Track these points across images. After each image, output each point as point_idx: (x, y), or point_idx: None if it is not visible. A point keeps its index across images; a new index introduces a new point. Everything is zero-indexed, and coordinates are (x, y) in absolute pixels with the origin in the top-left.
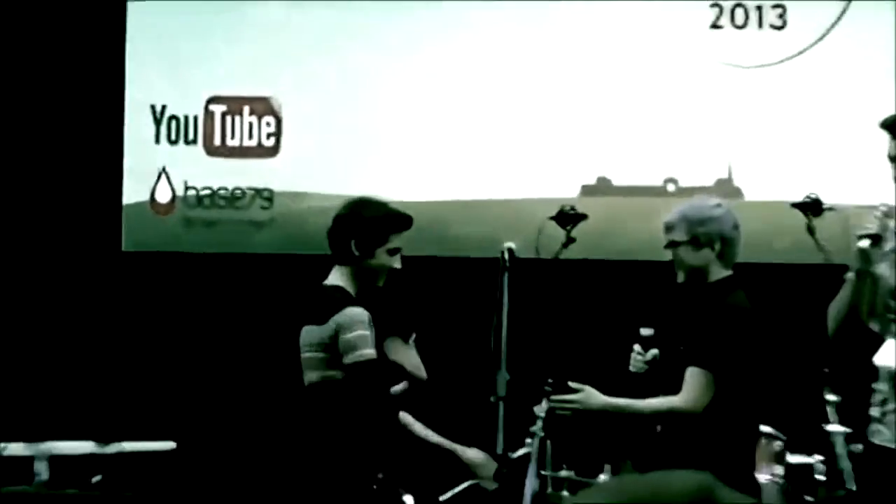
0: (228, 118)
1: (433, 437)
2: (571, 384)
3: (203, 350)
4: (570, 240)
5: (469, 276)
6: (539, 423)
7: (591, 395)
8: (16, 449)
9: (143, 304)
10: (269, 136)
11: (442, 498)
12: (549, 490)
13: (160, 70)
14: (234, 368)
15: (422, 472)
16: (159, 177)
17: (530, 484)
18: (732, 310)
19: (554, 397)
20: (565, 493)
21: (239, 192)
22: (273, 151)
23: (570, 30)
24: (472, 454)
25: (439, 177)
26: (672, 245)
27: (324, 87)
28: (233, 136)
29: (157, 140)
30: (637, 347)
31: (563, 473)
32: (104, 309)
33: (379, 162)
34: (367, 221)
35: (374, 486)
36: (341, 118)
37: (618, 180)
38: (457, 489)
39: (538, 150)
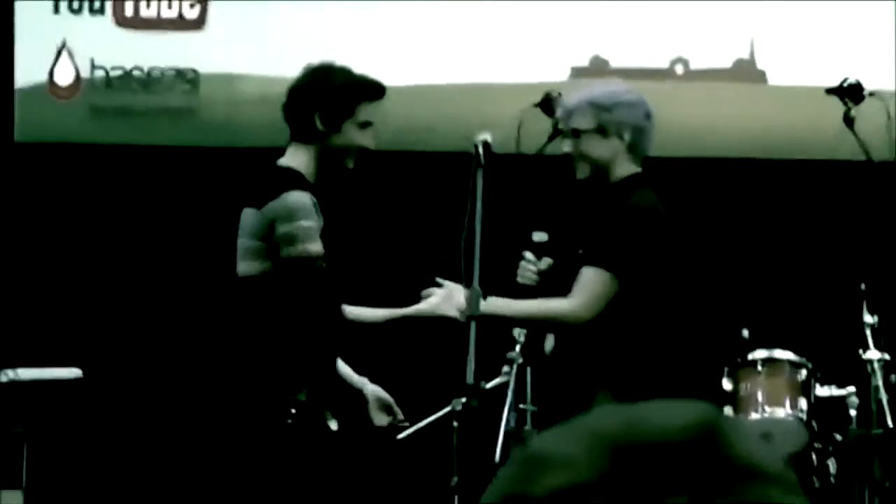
0: None
1: (381, 312)
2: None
3: (111, 261)
4: (556, 132)
5: (437, 174)
6: (517, 349)
7: (451, 298)
8: None
9: (39, 206)
10: (192, 5)
11: (400, 436)
12: (528, 426)
13: None
14: (146, 282)
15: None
16: (59, 54)
17: (506, 419)
18: (638, 210)
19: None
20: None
21: (157, 73)
22: (198, 24)
23: None
24: (434, 300)
25: (401, 57)
26: (573, 134)
27: None
28: (148, 6)
29: (57, 10)
30: (528, 255)
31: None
32: None
33: (328, 38)
34: (332, 90)
35: (293, 411)
36: None
37: (616, 61)
38: (413, 428)
39: (519, 25)
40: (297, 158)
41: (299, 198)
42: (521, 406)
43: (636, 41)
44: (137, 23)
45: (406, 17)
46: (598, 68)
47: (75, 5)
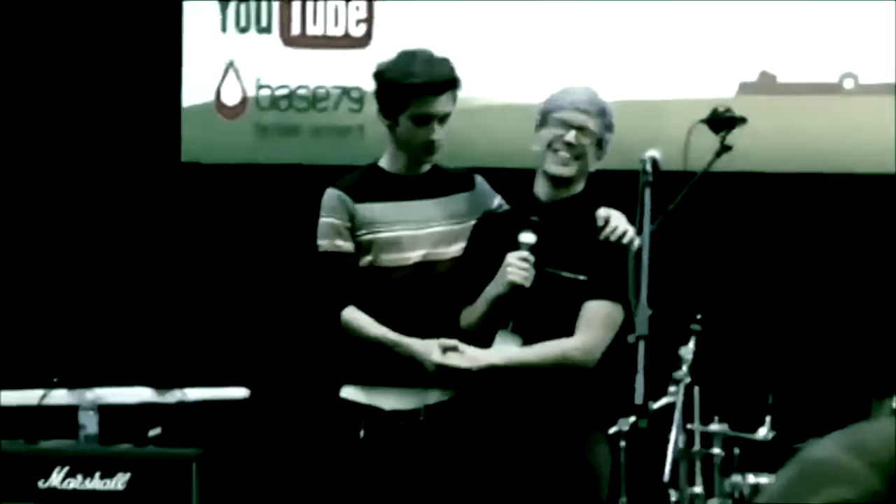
0: (310, 2)
1: (377, 330)
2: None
3: (280, 282)
4: (724, 148)
5: (603, 192)
6: (685, 368)
7: (470, 357)
8: (58, 397)
9: (207, 228)
10: (358, 22)
11: None
12: (697, 447)
13: None
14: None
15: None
16: (226, 73)
17: (675, 439)
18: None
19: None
20: (717, 450)
21: (322, 91)
22: (364, 42)
23: None
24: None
25: (567, 73)
26: (580, 130)
27: None
28: (315, 23)
29: (224, 28)
30: (524, 254)
31: (715, 427)
32: (161, 233)
33: (494, 55)
34: (384, 83)
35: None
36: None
37: (783, 76)
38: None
39: (686, 41)
40: (385, 152)
41: (325, 195)
42: (689, 426)
43: (805, 56)
44: (304, 41)
45: (572, 33)
46: (766, 83)
47: (242, 24)
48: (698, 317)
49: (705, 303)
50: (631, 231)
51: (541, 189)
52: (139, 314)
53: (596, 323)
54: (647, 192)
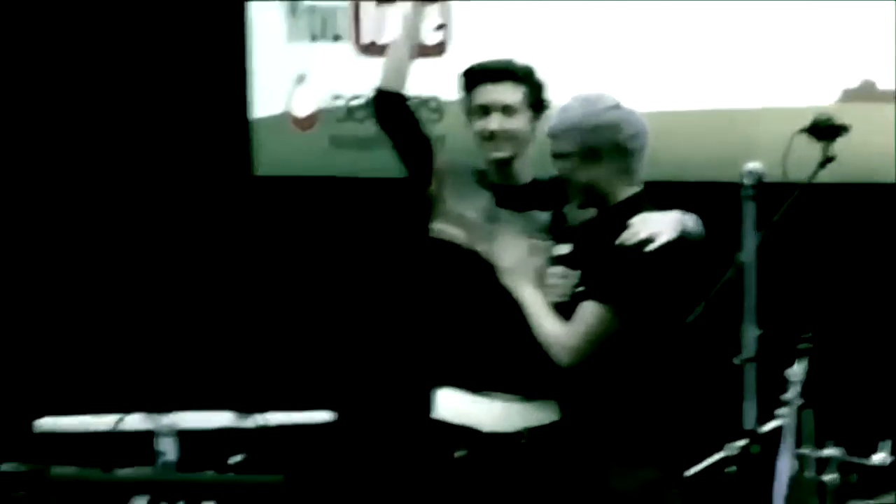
0: (384, 7)
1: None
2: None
3: (360, 299)
4: (827, 159)
5: (702, 206)
6: (795, 390)
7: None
8: (135, 422)
9: (281, 244)
10: (435, 29)
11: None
12: (809, 472)
13: None
14: (395, 320)
15: None
16: (298, 84)
17: (785, 465)
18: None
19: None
20: (831, 475)
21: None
22: (439, 50)
23: None
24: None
25: (657, 82)
26: (559, 157)
27: None
28: (389, 30)
29: (295, 36)
30: (559, 269)
31: (829, 452)
32: (234, 250)
33: (577, 63)
34: (460, 78)
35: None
36: (528, 6)
37: (885, 83)
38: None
39: (785, 47)
40: None
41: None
42: (801, 451)
43: None
44: (378, 50)
45: (667, 38)
46: (867, 90)
47: (314, 32)
48: (808, 335)
49: (814, 320)
50: (662, 234)
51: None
52: (217, 335)
53: (580, 323)
54: (750, 206)
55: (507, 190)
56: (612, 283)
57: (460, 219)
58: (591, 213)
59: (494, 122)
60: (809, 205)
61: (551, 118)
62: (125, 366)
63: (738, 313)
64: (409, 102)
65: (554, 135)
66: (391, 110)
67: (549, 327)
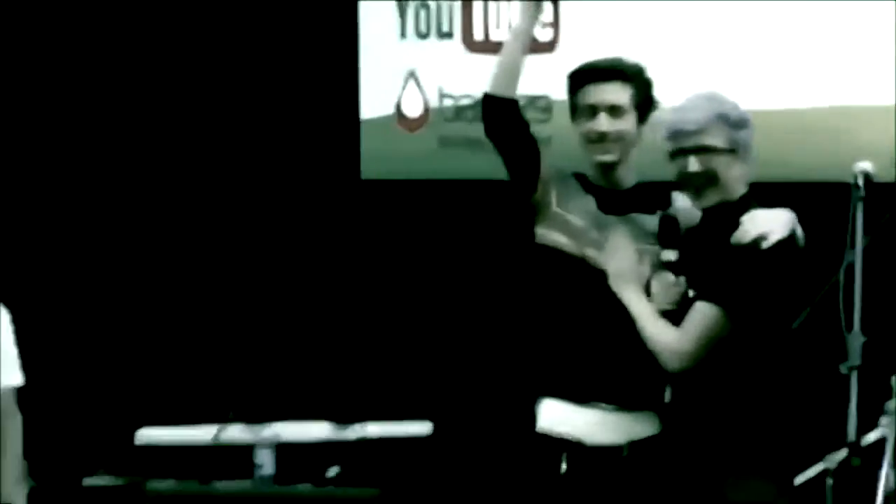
0: (493, 4)
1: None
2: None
3: (464, 307)
4: None
5: (810, 208)
6: None
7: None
8: (233, 434)
9: (388, 250)
10: (545, 25)
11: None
12: None
13: None
14: (502, 331)
15: None
16: (406, 83)
17: (886, 478)
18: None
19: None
20: None
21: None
22: (550, 47)
23: None
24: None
25: (763, 81)
26: (703, 150)
27: None
28: (499, 27)
29: (403, 34)
30: (668, 276)
31: None
32: (340, 255)
33: (684, 61)
34: (568, 78)
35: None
36: (638, 5)
37: None
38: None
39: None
40: None
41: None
42: None
43: None
44: (488, 47)
45: (774, 39)
46: None
47: (423, 29)
48: None
49: None
50: (774, 233)
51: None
52: (316, 344)
53: (690, 326)
54: (860, 209)
55: (611, 194)
56: (725, 284)
57: (566, 224)
58: (696, 216)
59: (603, 123)
60: None
61: (673, 116)
62: (224, 376)
63: (845, 319)
64: (519, 107)
65: (701, 129)
66: (500, 117)
67: (659, 332)
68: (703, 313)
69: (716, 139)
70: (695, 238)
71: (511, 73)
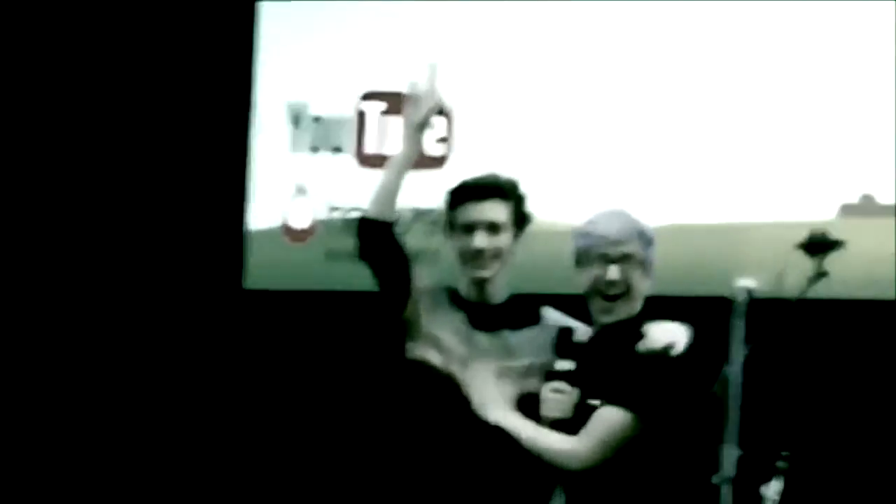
0: (387, 119)
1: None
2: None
3: (349, 415)
4: (820, 273)
5: (692, 321)
6: None
7: (485, 398)
8: None
9: (270, 360)
10: (438, 140)
11: None
12: None
13: (300, 61)
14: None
15: None
16: (296, 195)
17: None
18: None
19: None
20: None
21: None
22: (441, 162)
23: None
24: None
25: (653, 196)
26: (625, 259)
27: (504, 81)
28: (391, 141)
29: (295, 147)
30: (559, 385)
31: None
32: (221, 367)
33: (577, 176)
34: (446, 195)
35: None
36: (528, 120)
37: (884, 197)
38: None
39: (782, 161)
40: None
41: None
42: None
43: None
44: (379, 161)
45: (660, 156)
46: (867, 205)
47: (314, 144)
48: (784, 454)
49: (795, 439)
50: (679, 342)
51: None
52: (190, 448)
53: (596, 430)
54: (741, 324)
55: (482, 309)
56: (638, 389)
57: (435, 341)
58: (587, 331)
59: (481, 241)
60: (802, 320)
61: (592, 226)
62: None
63: (719, 430)
64: (393, 230)
65: (625, 239)
66: (374, 240)
67: (553, 441)
68: (610, 417)
69: (635, 250)
70: (593, 349)
71: (388, 197)
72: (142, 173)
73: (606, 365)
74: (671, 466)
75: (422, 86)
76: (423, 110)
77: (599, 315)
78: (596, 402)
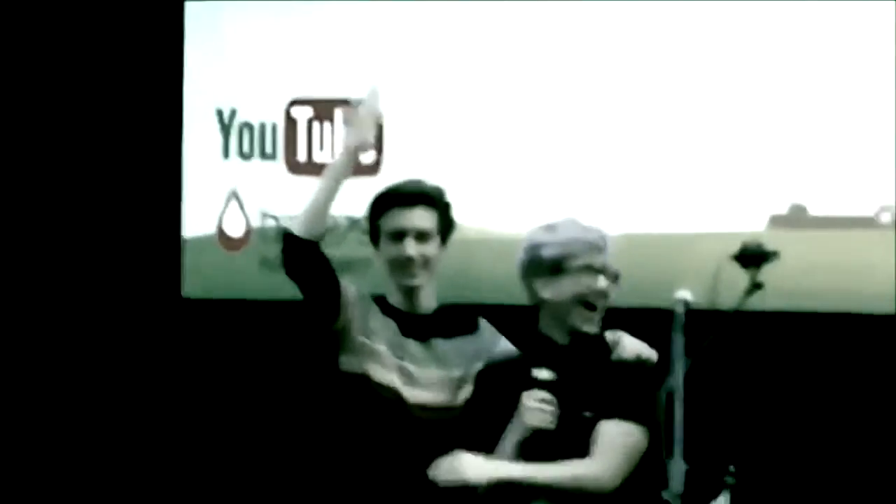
0: (316, 125)
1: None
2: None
3: (284, 425)
4: (755, 285)
5: (633, 330)
6: None
7: (463, 464)
8: None
9: (207, 369)
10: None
11: None
12: None
13: (229, 67)
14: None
15: None
16: (228, 202)
17: None
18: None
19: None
20: None
21: (330, 221)
22: (373, 170)
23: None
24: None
25: (587, 205)
26: (604, 269)
27: (437, 86)
28: (322, 149)
29: (226, 154)
30: (542, 394)
31: None
32: (158, 375)
33: (510, 185)
34: (371, 202)
35: None
36: (461, 127)
37: (815, 209)
38: None
39: (713, 172)
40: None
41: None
42: None
43: (839, 188)
44: (310, 169)
45: (596, 166)
46: (798, 216)
47: (245, 149)
48: (731, 469)
49: (741, 453)
50: (645, 349)
51: (557, 335)
52: (132, 456)
53: (612, 447)
54: (680, 338)
55: (412, 318)
56: (645, 404)
57: (370, 352)
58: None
59: (410, 248)
60: (738, 332)
61: (570, 233)
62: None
63: (665, 445)
64: (319, 247)
65: (602, 248)
66: (300, 257)
67: (582, 470)
68: (627, 434)
69: (608, 260)
70: (572, 359)
71: (317, 216)
72: (74, 181)
73: (591, 376)
74: (629, 481)
75: (363, 109)
76: (364, 134)
77: (581, 324)
78: (588, 413)
